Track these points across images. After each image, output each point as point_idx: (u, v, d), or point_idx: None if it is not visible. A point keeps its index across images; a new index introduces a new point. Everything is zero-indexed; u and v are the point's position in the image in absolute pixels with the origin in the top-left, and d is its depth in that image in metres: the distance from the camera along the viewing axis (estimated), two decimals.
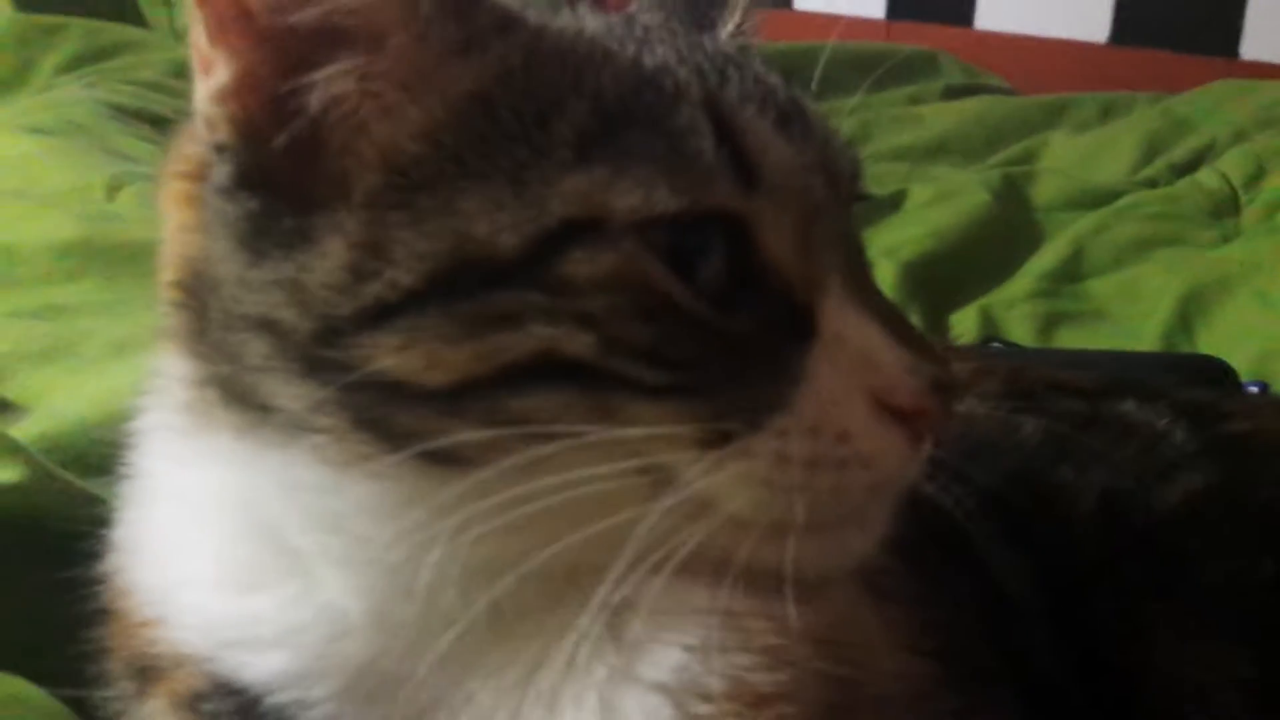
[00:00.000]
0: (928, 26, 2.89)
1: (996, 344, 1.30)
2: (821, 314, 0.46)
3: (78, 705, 0.58)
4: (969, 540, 0.70)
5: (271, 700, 0.49)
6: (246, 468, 0.47)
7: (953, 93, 2.41)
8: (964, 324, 1.39)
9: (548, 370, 0.43)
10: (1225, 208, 1.69)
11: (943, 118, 2.16)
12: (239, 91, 0.46)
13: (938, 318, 1.40)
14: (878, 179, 1.81)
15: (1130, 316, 1.40)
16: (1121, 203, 1.67)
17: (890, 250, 1.50)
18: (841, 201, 0.49)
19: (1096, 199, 1.71)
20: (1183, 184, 1.77)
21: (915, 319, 1.37)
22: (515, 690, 0.47)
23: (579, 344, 0.43)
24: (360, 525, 0.46)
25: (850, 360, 0.46)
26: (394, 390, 0.44)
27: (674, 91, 0.46)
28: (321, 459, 0.46)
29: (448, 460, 0.44)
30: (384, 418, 0.44)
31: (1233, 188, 1.72)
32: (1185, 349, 1.33)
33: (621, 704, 0.47)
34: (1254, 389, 1.15)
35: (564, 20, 0.50)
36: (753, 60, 0.52)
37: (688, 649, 0.48)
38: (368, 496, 0.45)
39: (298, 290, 0.45)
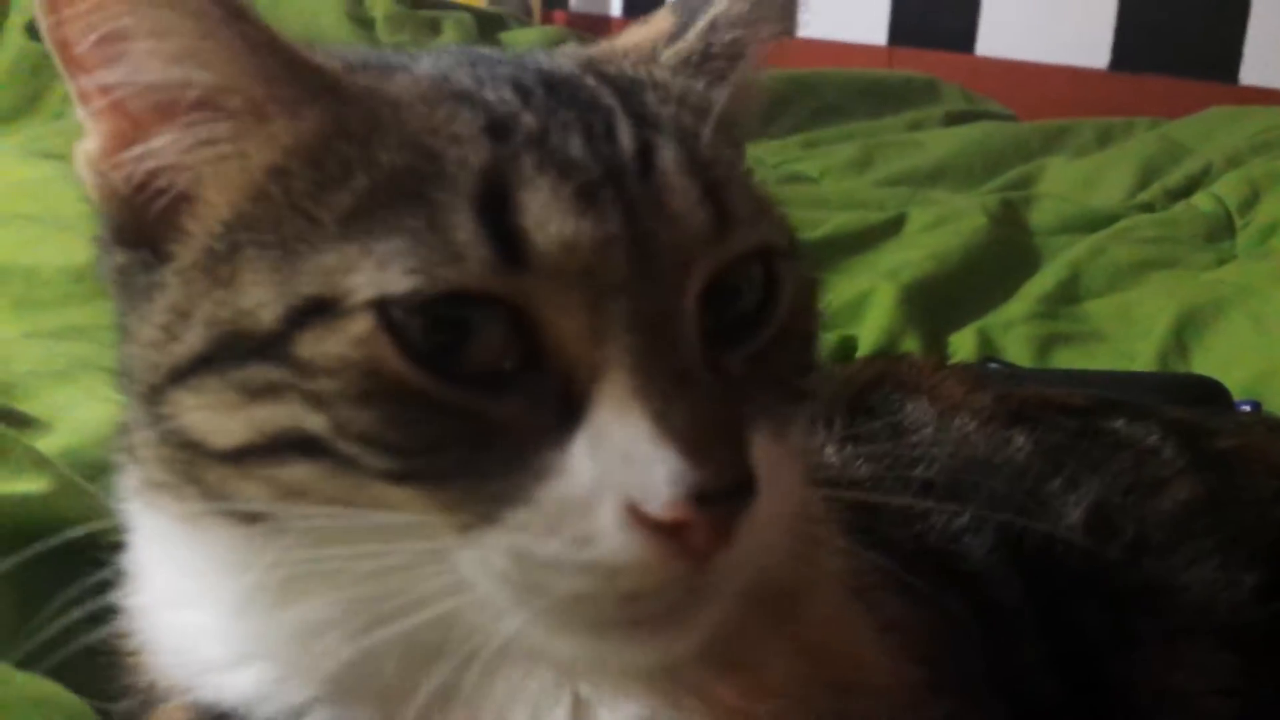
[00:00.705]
0: (929, 53, 2.93)
1: (994, 364, 1.32)
2: (594, 400, 0.42)
3: (104, 715, 0.59)
4: (960, 555, 0.72)
5: (260, 716, 0.49)
6: (149, 511, 0.51)
7: (953, 119, 2.44)
8: (963, 345, 1.41)
9: (304, 445, 0.43)
10: (1220, 231, 1.71)
11: (943, 143, 2.19)
12: (102, 156, 0.48)
13: (937, 339, 1.42)
14: (878, 203, 1.84)
15: (1126, 338, 1.41)
16: (1118, 226, 1.70)
17: (890, 273, 1.52)
18: (662, 276, 0.44)
19: (1093, 223, 1.73)
20: (1179, 208, 1.80)
21: (914, 341, 1.39)
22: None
23: (314, 424, 0.42)
24: (216, 575, 0.49)
25: (608, 458, 0.41)
26: (197, 449, 0.45)
27: (451, 160, 0.43)
28: (171, 513, 0.49)
29: (259, 522, 0.45)
30: (198, 476, 0.46)
31: (1228, 211, 1.74)
32: (1180, 370, 1.35)
33: None
34: (1246, 408, 1.17)
35: (396, 75, 0.48)
36: (619, 106, 0.47)
37: (643, 710, 0.48)
38: (210, 549, 0.48)
39: (140, 344, 0.47)
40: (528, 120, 0.45)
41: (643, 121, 0.47)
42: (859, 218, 1.71)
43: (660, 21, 0.57)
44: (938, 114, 2.46)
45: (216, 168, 0.47)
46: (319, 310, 0.43)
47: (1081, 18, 2.70)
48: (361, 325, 0.42)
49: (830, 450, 0.77)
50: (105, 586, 0.54)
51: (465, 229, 0.42)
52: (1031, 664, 0.68)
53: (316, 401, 0.42)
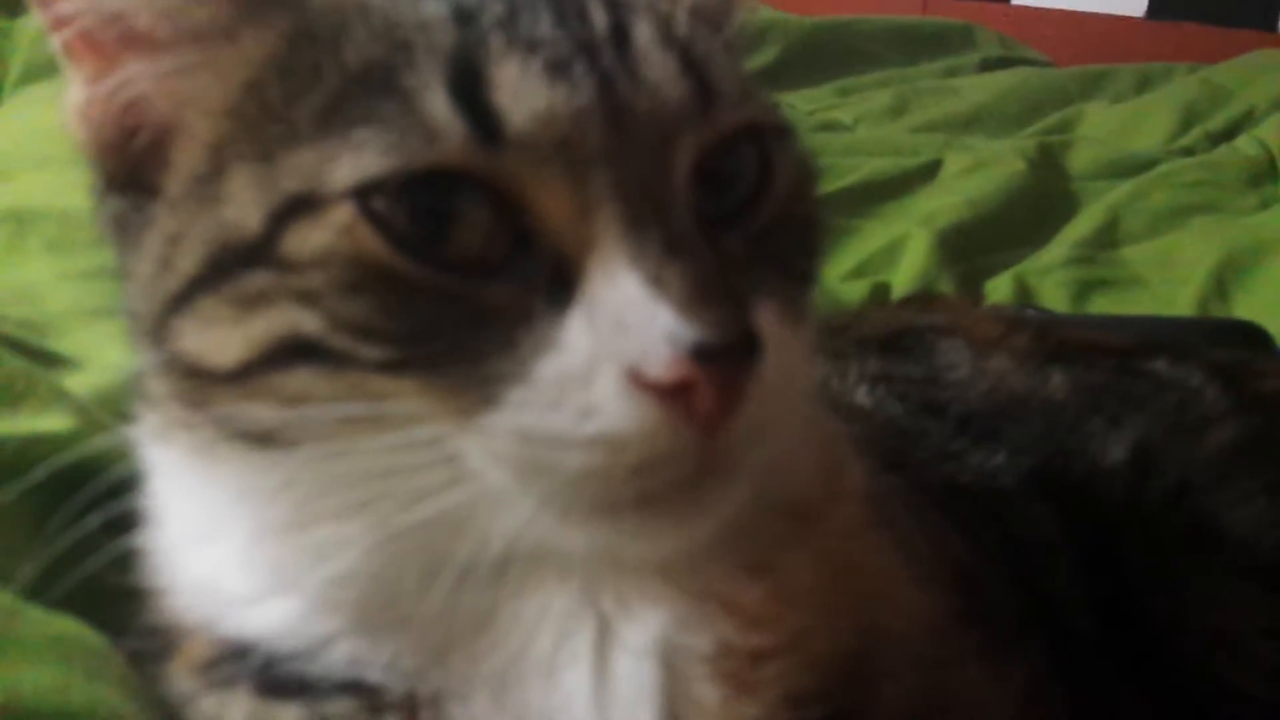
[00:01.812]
0: (964, 2, 2.87)
1: (1031, 311, 1.30)
2: (587, 274, 0.41)
3: (127, 652, 0.59)
4: (994, 490, 0.71)
5: (283, 652, 0.49)
6: (166, 450, 0.51)
7: (989, 65, 2.39)
8: (999, 291, 1.38)
9: (301, 349, 0.42)
10: (1263, 175, 1.67)
11: (979, 90, 2.15)
12: (85, 102, 0.48)
13: (973, 285, 1.40)
14: (913, 149, 1.81)
15: (1166, 283, 1.39)
16: (1158, 170, 1.66)
17: (925, 219, 1.50)
18: (645, 146, 0.43)
19: (1133, 168, 1.70)
20: (1220, 151, 1.76)
21: (949, 287, 1.37)
22: (515, 656, 0.48)
23: (308, 323, 0.42)
24: (232, 505, 0.49)
25: (604, 325, 0.41)
26: (202, 373, 0.45)
27: (420, 47, 0.43)
28: (185, 447, 0.49)
29: (270, 442, 0.45)
30: (207, 402, 0.46)
31: (1271, 155, 1.70)
32: (1221, 315, 1.32)
33: (612, 669, 0.47)
34: None
35: None
36: None
37: (667, 620, 0.48)
38: (225, 478, 0.48)
39: (140, 282, 0.47)
40: (495, 4, 0.45)
41: (616, 5, 0.46)
42: (893, 164, 1.69)
43: None
44: (974, 61, 2.41)
45: (192, 91, 0.47)
46: (301, 206, 0.42)
47: None
48: (343, 214, 0.42)
49: (863, 389, 0.76)
50: (127, 525, 0.53)
51: (439, 108, 0.41)
52: (1067, 599, 0.68)
53: (308, 299, 0.42)
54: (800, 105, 2.14)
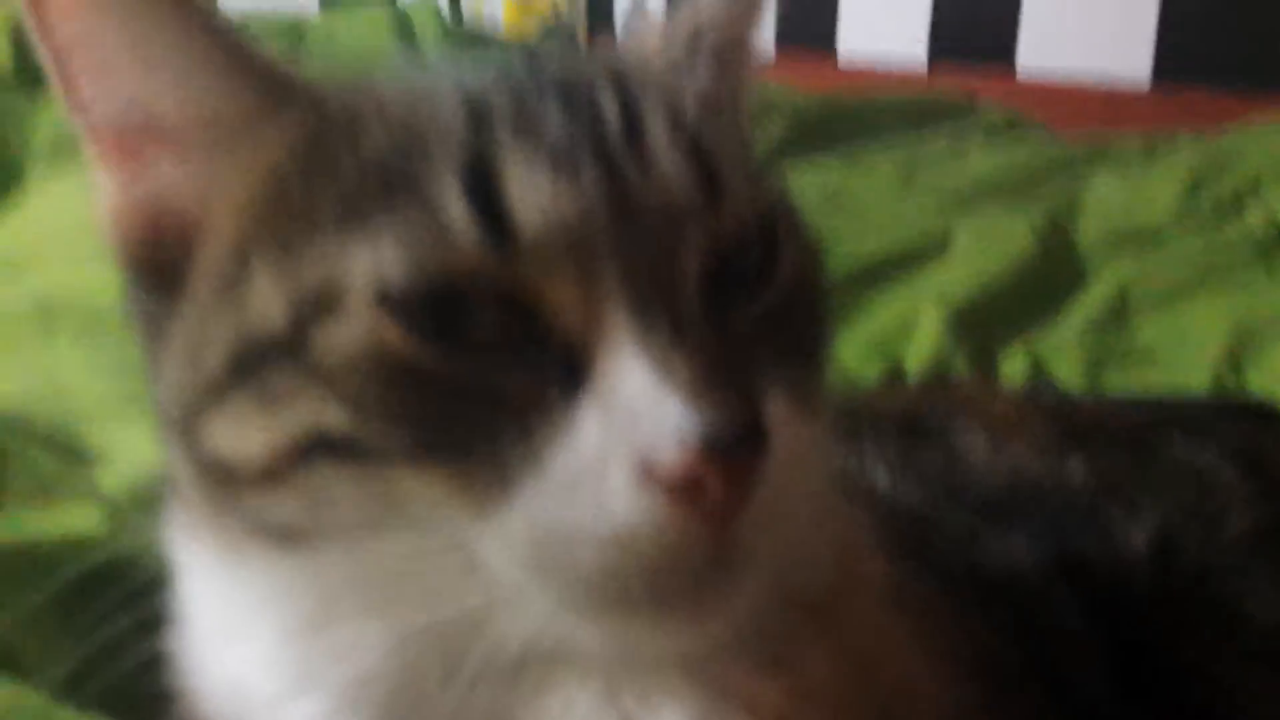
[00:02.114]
0: (969, 67, 2.92)
1: (1044, 387, 1.30)
2: (596, 364, 0.42)
3: None
4: (1016, 579, 0.71)
5: None
6: (195, 549, 0.52)
7: (992, 135, 2.42)
8: (1013, 366, 1.38)
9: (324, 444, 0.43)
10: (1272, 245, 1.67)
11: (984, 161, 2.17)
12: (116, 203, 0.49)
13: (986, 361, 1.40)
14: (921, 222, 1.82)
15: (1179, 358, 1.38)
16: (1166, 242, 1.67)
17: (938, 296, 1.50)
18: (655, 240, 0.44)
19: (1142, 239, 1.70)
20: (1229, 222, 1.76)
21: (963, 365, 1.37)
22: None
23: (332, 417, 0.43)
24: (258, 604, 0.49)
25: (615, 416, 0.41)
26: (229, 471, 0.46)
27: (435, 145, 0.44)
28: (213, 546, 0.49)
29: (293, 539, 0.46)
30: (234, 500, 0.46)
31: (1278, 225, 1.71)
32: (1236, 389, 1.32)
33: None
34: None
35: (379, 81, 0.50)
36: (592, 78, 0.48)
37: (691, 718, 0.47)
38: (251, 576, 0.48)
39: (169, 381, 0.48)
40: (508, 102, 0.46)
41: (629, 97, 0.47)
42: (901, 238, 1.70)
43: (650, 39, 0.59)
44: (978, 132, 2.44)
45: (218, 189, 0.48)
46: (323, 301, 0.43)
47: (1122, 31, 2.68)
48: (364, 309, 0.43)
49: (881, 472, 0.76)
50: (155, 626, 0.54)
51: (453, 209, 0.43)
52: (1092, 688, 0.67)
53: (332, 393, 0.43)
54: (807, 178, 2.16)
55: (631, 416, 0.41)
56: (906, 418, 0.84)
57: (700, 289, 0.45)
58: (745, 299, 0.48)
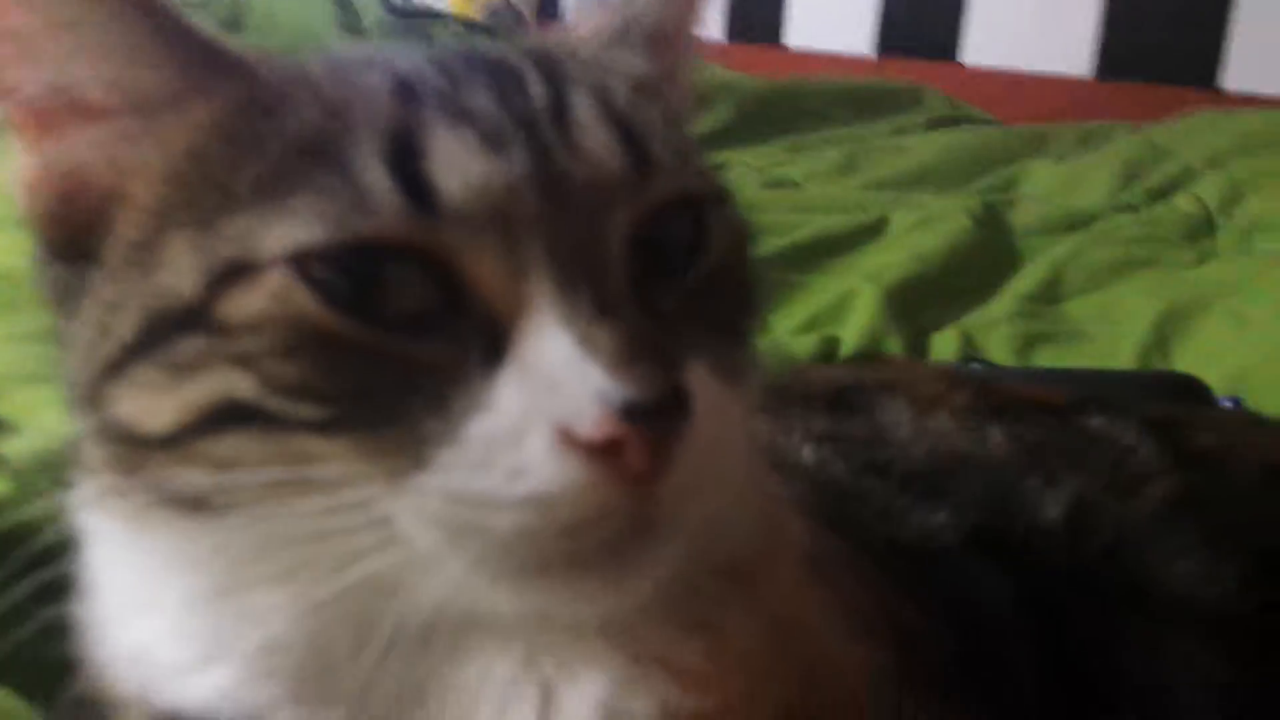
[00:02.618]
0: (916, 62, 2.94)
1: (976, 364, 1.32)
2: (519, 336, 0.42)
3: None
4: (935, 551, 0.71)
5: None
6: (101, 518, 0.51)
7: (936, 124, 2.44)
8: (945, 345, 1.40)
9: (233, 413, 0.43)
10: (1201, 231, 1.71)
11: (925, 148, 2.20)
12: (32, 172, 0.49)
13: (920, 339, 1.42)
14: (861, 206, 1.84)
15: (1108, 337, 1.41)
16: (1099, 226, 1.70)
17: (873, 275, 1.52)
18: (581, 214, 0.44)
19: (1075, 223, 1.73)
20: (1159, 208, 1.80)
21: (896, 342, 1.39)
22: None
23: (241, 386, 0.43)
24: (165, 573, 0.49)
25: (535, 385, 0.41)
26: (135, 439, 0.45)
27: (360, 119, 0.44)
28: (119, 515, 0.49)
29: (201, 508, 0.45)
30: (139, 468, 0.46)
31: (1209, 211, 1.75)
32: (1162, 368, 1.35)
33: None
34: (1228, 404, 1.17)
35: (310, 60, 0.49)
36: (520, 60, 0.49)
37: (610, 684, 0.47)
38: (158, 546, 0.48)
39: (78, 350, 0.48)
40: (436, 80, 0.46)
41: (556, 78, 0.48)
42: (841, 221, 1.71)
43: (584, 26, 0.59)
44: (921, 120, 2.46)
45: (136, 160, 0.47)
46: (237, 271, 0.43)
47: (1066, 26, 2.72)
48: (277, 278, 0.42)
49: (807, 448, 0.77)
50: (58, 594, 0.53)
51: (375, 179, 0.42)
52: (1008, 658, 0.68)
53: (242, 362, 0.42)
54: (752, 162, 2.17)
55: (552, 385, 0.41)
56: (833, 393, 0.85)
57: (626, 263, 0.45)
58: (673, 274, 0.48)
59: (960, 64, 2.91)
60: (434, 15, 2.98)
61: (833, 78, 2.67)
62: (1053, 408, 0.87)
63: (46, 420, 0.80)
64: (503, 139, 0.44)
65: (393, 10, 2.79)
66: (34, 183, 0.49)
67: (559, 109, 0.46)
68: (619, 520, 0.41)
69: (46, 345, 0.53)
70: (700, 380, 0.44)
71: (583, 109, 0.46)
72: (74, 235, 0.49)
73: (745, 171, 2.11)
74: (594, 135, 0.46)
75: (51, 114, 0.48)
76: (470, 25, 2.99)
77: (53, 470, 0.69)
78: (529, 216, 0.43)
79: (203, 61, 0.47)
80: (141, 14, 0.47)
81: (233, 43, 0.48)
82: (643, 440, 0.40)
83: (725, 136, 2.16)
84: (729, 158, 1.96)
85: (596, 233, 0.44)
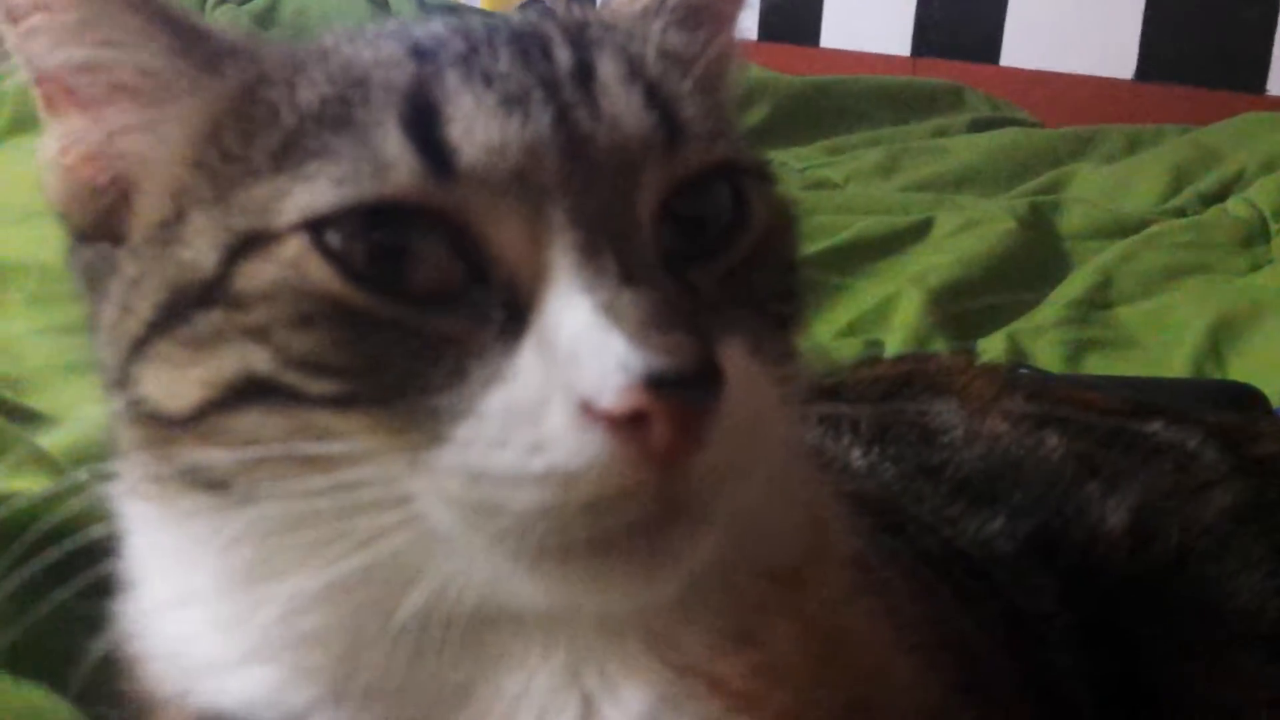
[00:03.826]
0: (953, 63, 2.91)
1: (1024, 370, 1.29)
2: (540, 305, 0.41)
3: None
4: (991, 558, 0.69)
5: None
6: (138, 506, 0.50)
7: (979, 125, 2.41)
8: (992, 351, 1.37)
9: (253, 388, 0.42)
10: (1255, 236, 1.68)
11: (969, 149, 2.17)
12: (61, 152, 0.49)
13: (966, 344, 1.39)
14: (904, 208, 1.81)
15: (1160, 344, 1.38)
16: (1149, 231, 1.67)
17: (917, 278, 1.50)
18: (605, 179, 0.42)
19: (1124, 228, 1.70)
20: (1211, 213, 1.76)
21: (941, 346, 1.37)
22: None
23: (258, 359, 0.42)
24: (198, 560, 0.47)
25: (555, 356, 0.39)
26: (160, 419, 0.45)
27: (375, 84, 0.43)
28: (152, 499, 0.48)
29: (226, 489, 0.44)
30: (166, 449, 0.45)
31: (1262, 216, 1.71)
32: (1216, 376, 1.31)
33: None
34: None
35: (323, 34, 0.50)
36: (546, 28, 0.48)
37: (652, 698, 0.45)
38: (188, 530, 0.47)
39: (105, 330, 0.47)
40: (455, 43, 0.45)
41: (583, 43, 0.46)
42: (884, 222, 1.69)
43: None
44: (963, 121, 2.43)
45: (156, 140, 0.47)
46: (253, 242, 0.42)
47: (1107, 28, 2.68)
48: (293, 247, 0.41)
49: (856, 450, 0.75)
50: (102, 590, 0.52)
51: (391, 142, 0.41)
52: (1065, 671, 0.66)
53: (258, 334, 0.42)
54: (791, 163, 2.15)
55: (572, 354, 0.39)
56: (882, 393, 0.83)
57: (658, 233, 0.44)
58: (712, 251, 0.46)
59: (997, 65, 2.87)
60: (472, 12, 2.98)
61: (870, 76, 2.64)
62: (1111, 412, 0.85)
63: (85, 412, 0.80)
64: (523, 100, 0.43)
65: (428, 7, 2.79)
66: (62, 163, 0.49)
67: (584, 72, 0.45)
68: (645, 500, 0.39)
69: (81, 338, 0.52)
70: (736, 359, 0.41)
71: (608, 72, 0.45)
72: (99, 216, 0.49)
73: (784, 172, 2.09)
74: (619, 98, 0.44)
75: (83, 95, 0.48)
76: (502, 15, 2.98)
77: (93, 463, 0.69)
78: (550, 179, 0.41)
79: (204, 46, 0.47)
80: (148, 8, 0.47)
81: (235, 29, 0.50)
82: (669, 413, 0.38)
83: (762, 136, 2.14)
84: (768, 157, 1.93)
85: (622, 197, 0.43)
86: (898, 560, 0.58)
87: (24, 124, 1.79)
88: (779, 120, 2.24)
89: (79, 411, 0.80)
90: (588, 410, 0.38)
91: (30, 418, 0.80)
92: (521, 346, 0.40)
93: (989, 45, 2.88)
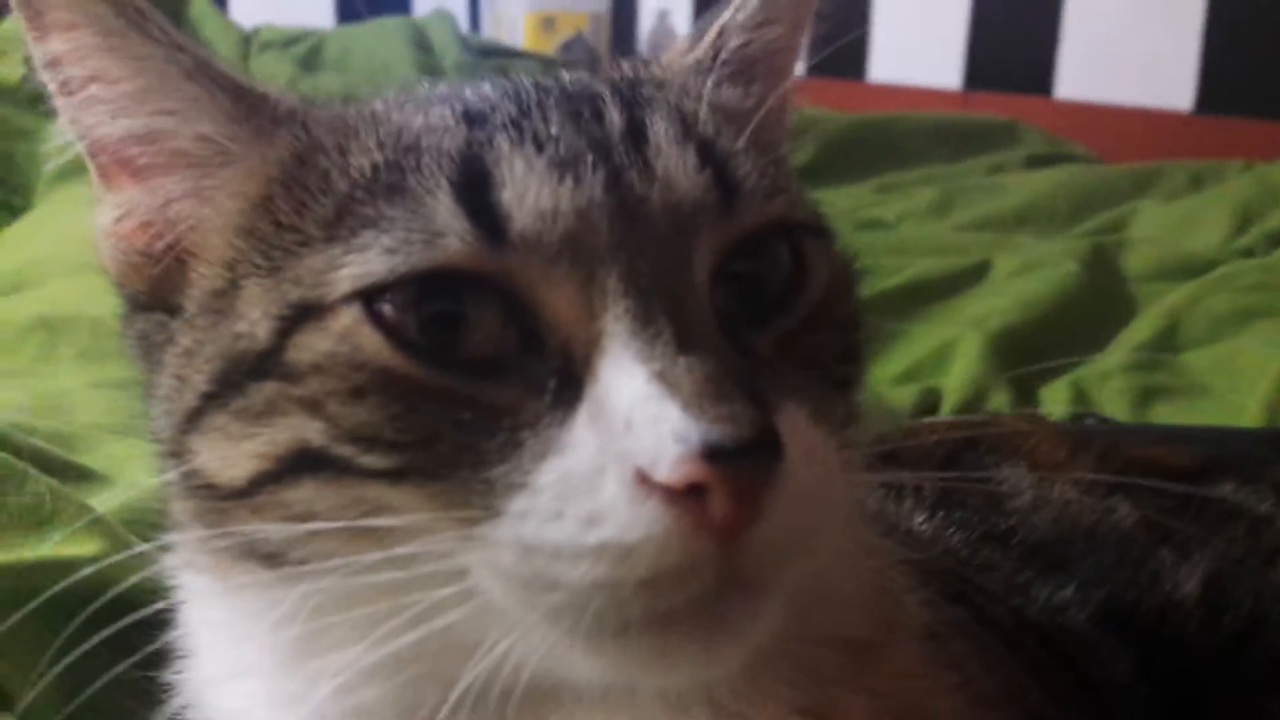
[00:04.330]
0: (1006, 96, 2.87)
1: (1091, 420, 1.26)
2: (594, 373, 0.40)
3: None
4: (1064, 627, 0.67)
5: None
6: (193, 577, 0.51)
7: (1035, 162, 2.38)
8: (1055, 398, 1.34)
9: (306, 460, 0.42)
10: None
11: (1025, 187, 2.14)
12: (116, 222, 0.50)
13: (1027, 391, 1.36)
14: (960, 249, 1.79)
15: (1230, 391, 1.34)
16: (1217, 273, 1.62)
17: (975, 322, 1.47)
18: (659, 242, 0.42)
19: (1190, 269, 1.66)
20: (1279, 254, 1.72)
21: (1002, 394, 1.34)
22: None
23: (312, 432, 0.41)
24: (253, 633, 0.48)
25: (610, 426, 0.39)
26: (215, 490, 0.45)
27: (427, 149, 0.44)
28: (207, 571, 0.48)
29: (280, 561, 0.44)
30: (221, 521, 0.45)
31: None
32: None
33: None
34: None
35: (369, 101, 0.50)
36: (597, 87, 0.48)
37: None
38: (243, 604, 0.47)
39: (160, 400, 0.48)
40: (506, 106, 0.46)
41: (634, 103, 0.46)
42: (941, 264, 1.67)
43: (671, 52, 0.58)
44: (1018, 157, 2.40)
45: (209, 212, 0.48)
46: (307, 314, 0.42)
47: (1164, 60, 2.64)
48: (345, 318, 0.42)
49: (920, 515, 0.73)
50: (157, 660, 0.52)
51: (443, 209, 0.41)
52: None
53: (312, 406, 0.42)
54: (840, 203, 2.13)
55: (629, 426, 0.38)
56: (946, 456, 0.81)
57: (715, 296, 0.43)
58: (770, 313, 0.45)
59: (1051, 97, 2.84)
60: (514, 54, 3.01)
61: (922, 112, 2.62)
62: (1180, 472, 0.82)
63: (136, 471, 0.80)
64: (575, 164, 0.43)
65: (470, 49, 2.82)
66: (118, 233, 0.50)
67: (636, 133, 0.45)
68: (704, 574, 0.38)
69: (132, 395, 0.53)
70: (796, 425, 0.41)
71: (660, 133, 0.45)
72: (154, 284, 0.49)
73: (834, 213, 2.07)
74: (672, 159, 0.44)
75: (127, 160, 0.49)
76: (547, 62, 3.01)
77: (144, 524, 0.69)
78: (603, 244, 0.41)
79: (260, 112, 0.48)
80: (207, 71, 0.48)
81: (294, 91, 0.50)
82: (728, 485, 0.37)
83: (811, 175, 2.10)
84: (816, 198, 1.91)
85: (677, 261, 0.42)
86: (968, 631, 0.56)
87: (68, 174, 1.82)
88: (828, 158, 2.22)
89: (130, 470, 0.80)
90: (644, 482, 0.38)
91: (82, 476, 0.80)
92: (576, 416, 0.40)
93: (1042, 78, 2.85)
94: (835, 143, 2.26)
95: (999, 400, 1.33)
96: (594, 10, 3.58)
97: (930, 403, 1.32)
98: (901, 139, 2.43)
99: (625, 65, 0.54)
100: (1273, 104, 2.48)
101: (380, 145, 0.45)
